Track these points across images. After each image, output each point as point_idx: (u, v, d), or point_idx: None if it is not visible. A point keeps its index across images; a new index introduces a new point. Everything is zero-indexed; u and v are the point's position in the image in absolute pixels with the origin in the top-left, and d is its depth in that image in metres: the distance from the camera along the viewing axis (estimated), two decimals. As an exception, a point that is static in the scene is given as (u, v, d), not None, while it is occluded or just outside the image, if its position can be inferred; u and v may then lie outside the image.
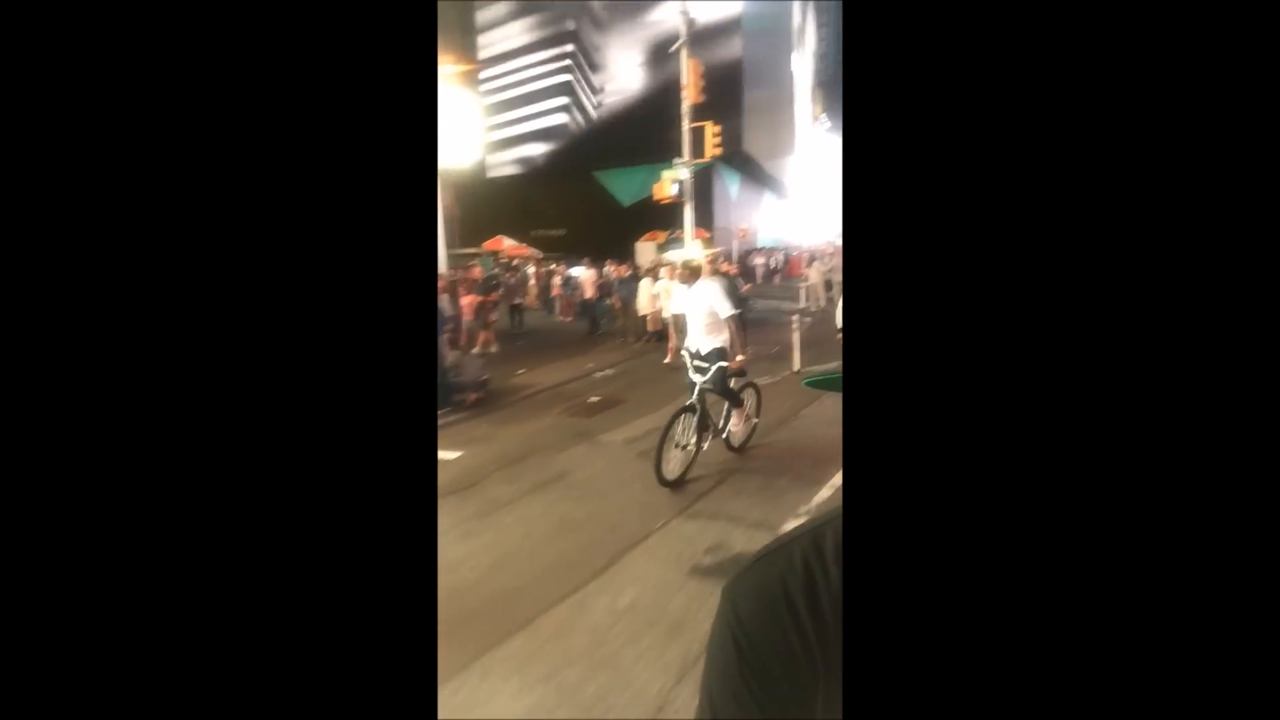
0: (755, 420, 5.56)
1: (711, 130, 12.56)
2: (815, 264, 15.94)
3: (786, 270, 23.25)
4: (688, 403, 4.89)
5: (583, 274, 13.92)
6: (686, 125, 13.01)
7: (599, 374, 8.70)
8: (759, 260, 22.77)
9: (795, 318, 8.98)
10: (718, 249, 13.64)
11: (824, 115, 40.90)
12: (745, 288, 11.81)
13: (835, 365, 0.51)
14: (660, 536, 3.83)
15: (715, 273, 5.36)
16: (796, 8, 32.59)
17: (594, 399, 7.35)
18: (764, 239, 27.02)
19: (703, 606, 3.00)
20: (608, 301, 12.14)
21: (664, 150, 15.08)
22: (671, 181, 12.79)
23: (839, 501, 0.48)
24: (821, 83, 41.27)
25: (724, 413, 5.25)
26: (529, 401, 7.41)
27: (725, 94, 19.99)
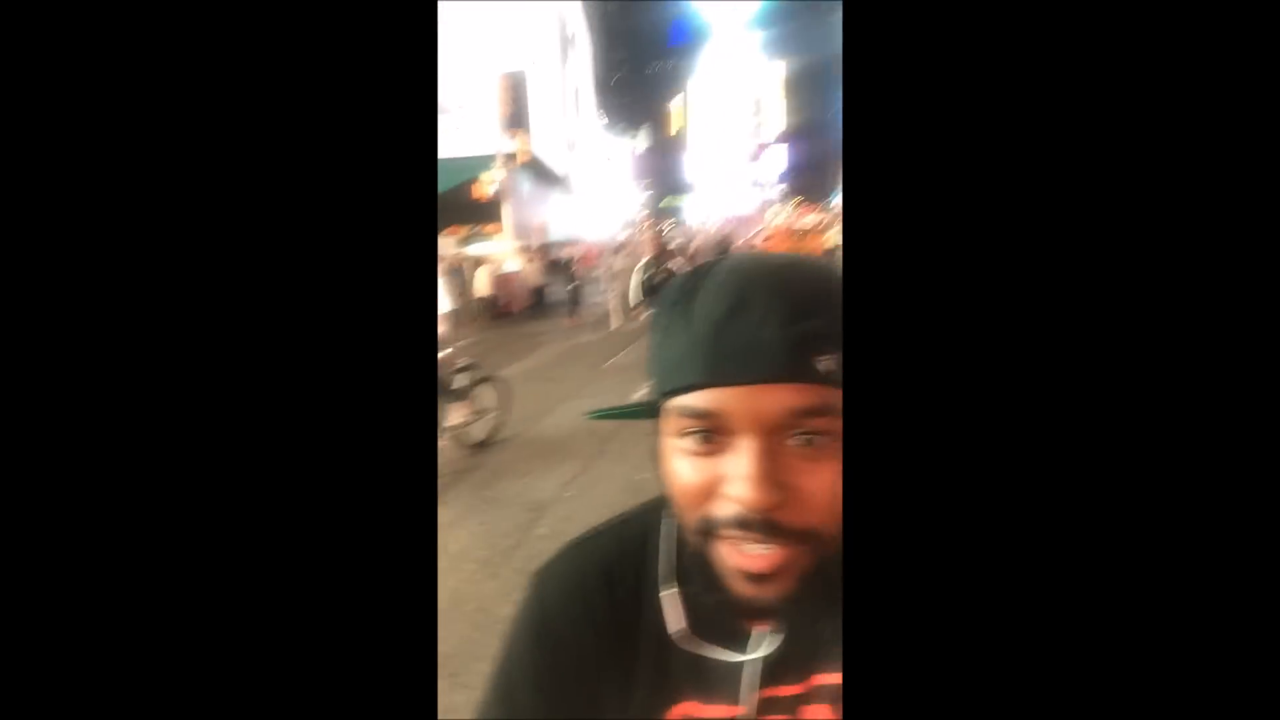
0: (494, 413, 5.77)
1: (523, 140, 15.04)
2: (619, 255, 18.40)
3: (583, 262, 26.08)
4: None
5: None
6: (501, 133, 15.38)
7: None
8: (564, 253, 25.38)
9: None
10: (521, 243, 16.13)
11: (600, 112, 44.57)
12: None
13: (638, 396, 0.94)
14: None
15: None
16: (561, 19, 35.74)
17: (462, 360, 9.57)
18: (555, 234, 29.73)
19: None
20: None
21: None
22: (489, 183, 15.07)
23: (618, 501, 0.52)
24: (599, 84, 44.92)
25: (445, 411, 5.30)
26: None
27: (517, 100, 22.38)
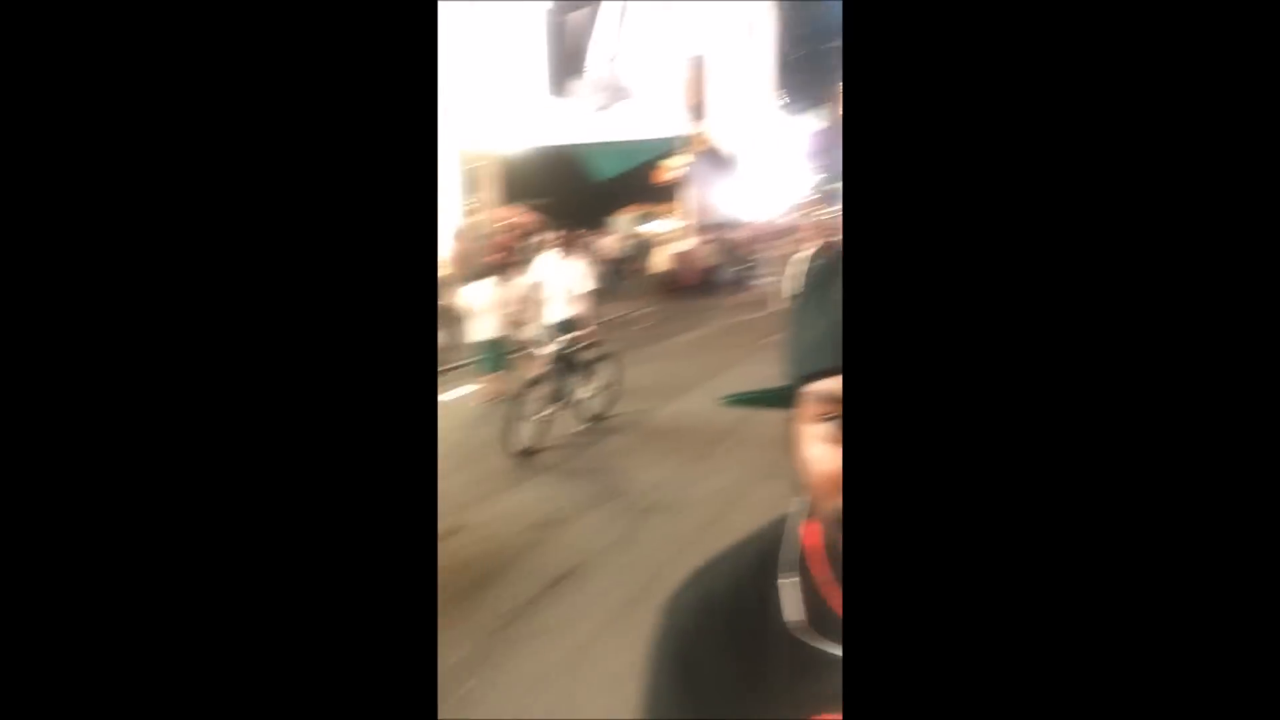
0: (612, 388, 6.08)
1: (704, 127, 16.49)
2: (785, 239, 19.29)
3: (751, 244, 27.20)
4: (535, 374, 5.35)
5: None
6: (687, 120, 16.93)
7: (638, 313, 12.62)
8: (734, 234, 26.70)
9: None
10: (693, 223, 17.61)
11: (780, 91, 44.93)
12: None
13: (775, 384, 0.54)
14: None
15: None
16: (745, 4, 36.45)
17: (641, 327, 11.26)
18: (725, 215, 30.94)
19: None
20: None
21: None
22: (673, 168, 16.68)
23: (766, 512, 0.51)
24: (780, 63, 45.25)
25: (572, 384, 5.62)
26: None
27: (700, 86, 23.79)
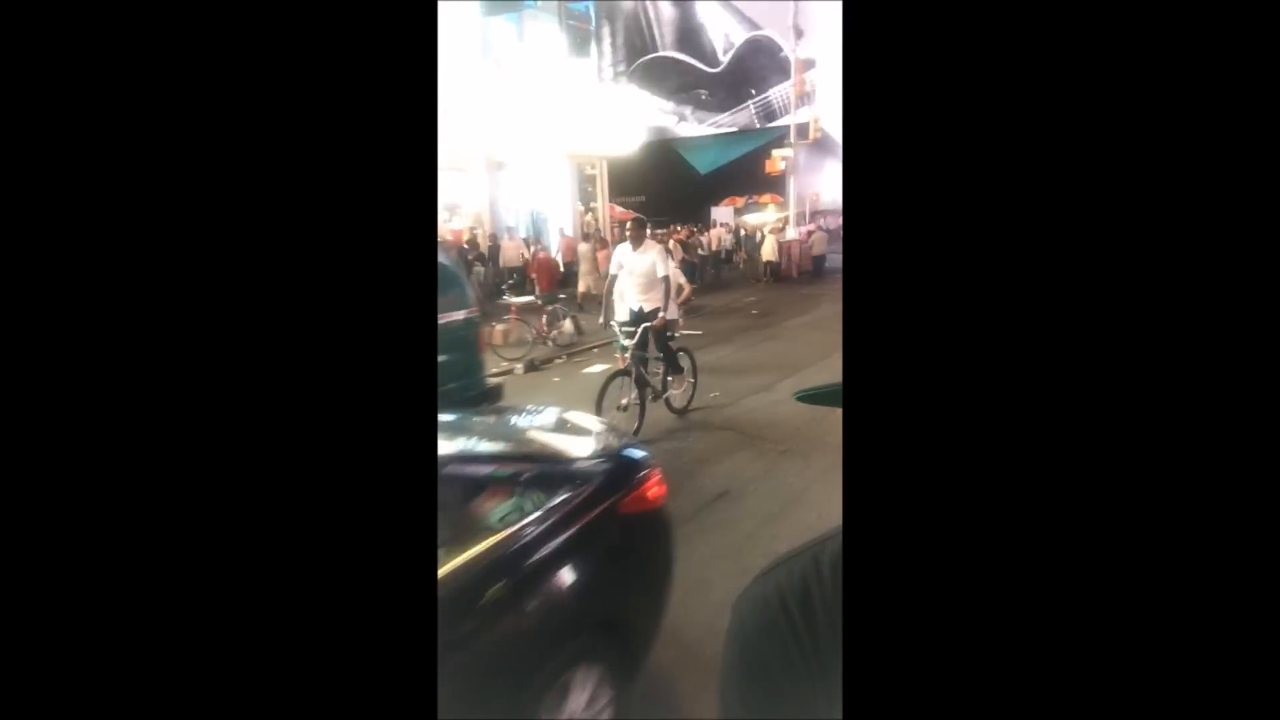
0: (691, 381, 6.05)
1: (814, 121, 17.05)
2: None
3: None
4: (620, 367, 5.42)
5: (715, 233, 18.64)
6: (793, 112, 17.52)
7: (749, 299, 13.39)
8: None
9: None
10: (798, 211, 18.13)
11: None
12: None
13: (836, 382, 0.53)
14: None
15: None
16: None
17: (754, 312, 11.99)
18: (825, 202, 31.15)
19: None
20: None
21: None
22: (781, 159, 17.32)
23: (832, 519, 0.53)
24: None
25: (662, 375, 5.66)
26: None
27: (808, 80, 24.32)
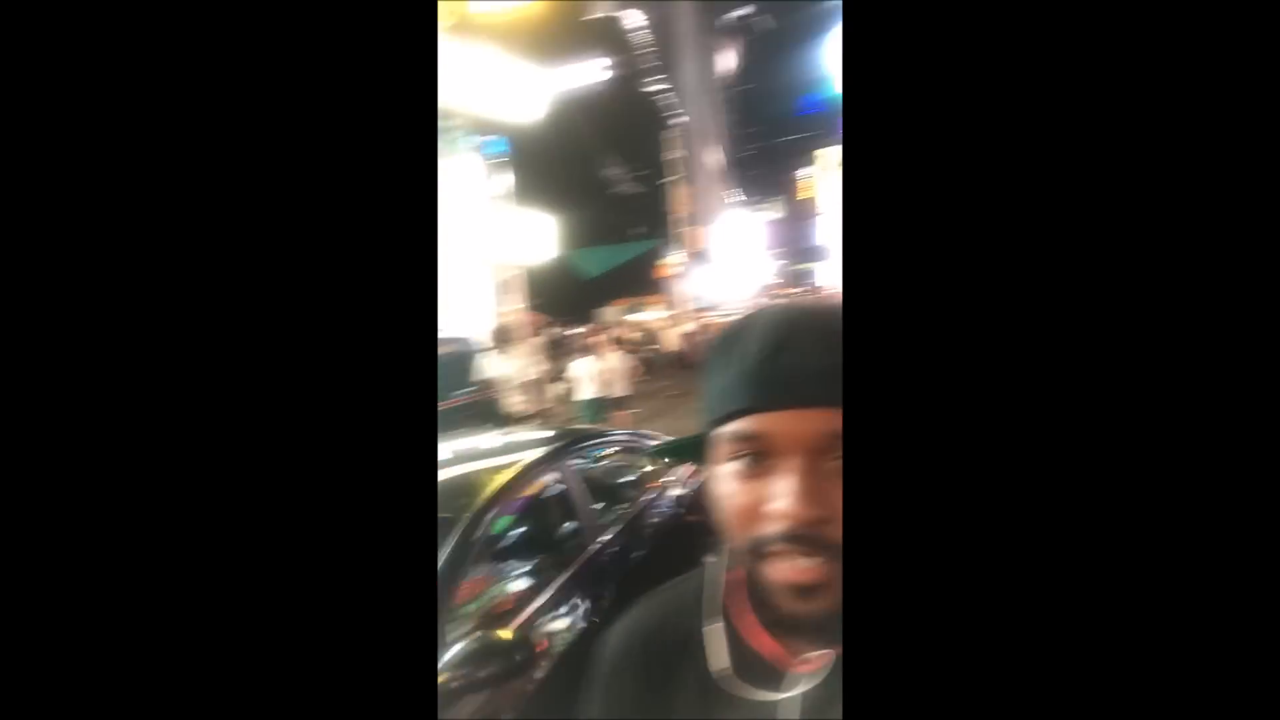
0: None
1: (700, 234, 20.71)
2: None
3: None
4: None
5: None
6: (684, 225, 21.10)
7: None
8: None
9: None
10: (678, 311, 21.54)
11: (732, 191, 50.16)
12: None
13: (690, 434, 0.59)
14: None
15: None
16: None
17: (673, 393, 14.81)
18: (704, 302, 35.24)
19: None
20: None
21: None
22: (675, 265, 20.68)
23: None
24: (731, 162, 50.63)
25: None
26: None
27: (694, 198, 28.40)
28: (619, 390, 9.02)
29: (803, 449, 0.52)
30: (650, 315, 24.69)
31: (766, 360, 0.54)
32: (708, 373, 0.59)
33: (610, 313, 29.54)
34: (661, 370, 18.24)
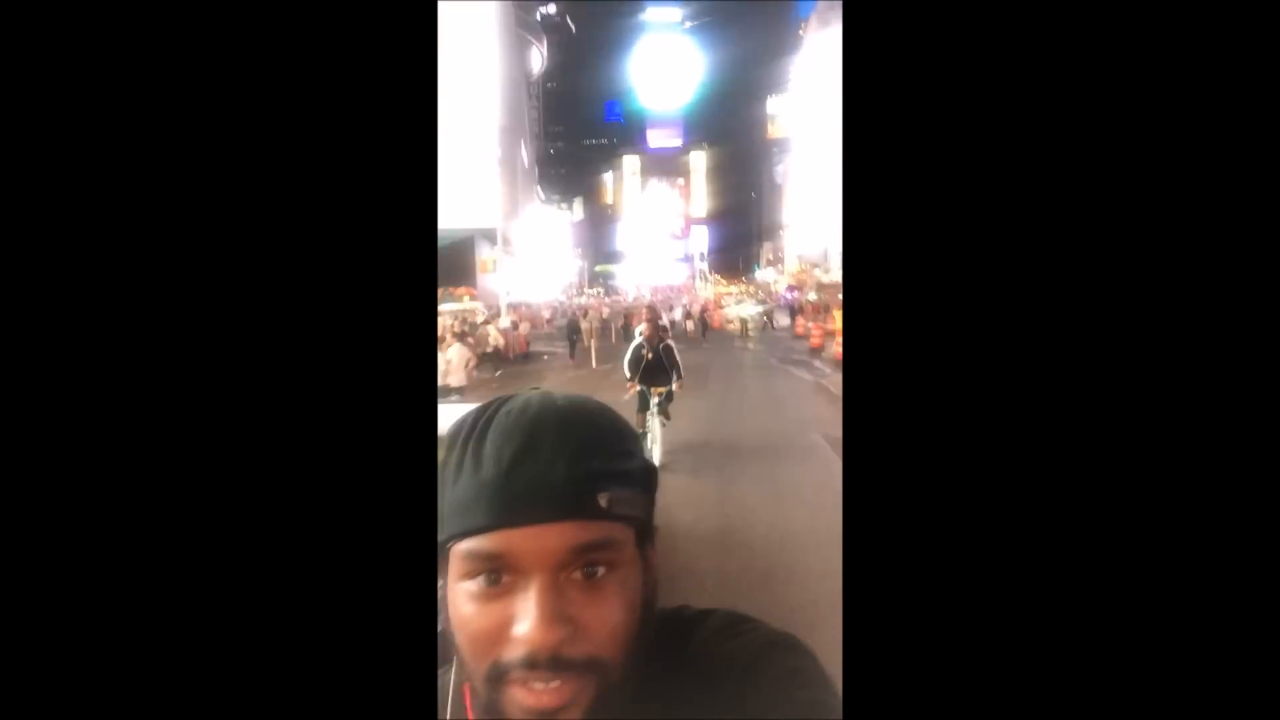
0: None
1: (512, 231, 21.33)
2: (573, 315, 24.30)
3: (550, 322, 31.98)
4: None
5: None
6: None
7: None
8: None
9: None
10: (490, 304, 22.11)
11: (539, 188, 50.89)
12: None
13: None
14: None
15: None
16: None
17: (495, 387, 15.36)
18: (512, 297, 35.69)
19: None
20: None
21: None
22: (493, 260, 21.13)
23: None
24: (537, 160, 51.31)
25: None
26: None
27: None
28: (455, 381, 9.53)
29: (543, 566, 0.50)
30: (461, 306, 24.80)
31: (505, 474, 0.51)
32: (446, 473, 0.54)
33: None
34: (486, 362, 18.63)
